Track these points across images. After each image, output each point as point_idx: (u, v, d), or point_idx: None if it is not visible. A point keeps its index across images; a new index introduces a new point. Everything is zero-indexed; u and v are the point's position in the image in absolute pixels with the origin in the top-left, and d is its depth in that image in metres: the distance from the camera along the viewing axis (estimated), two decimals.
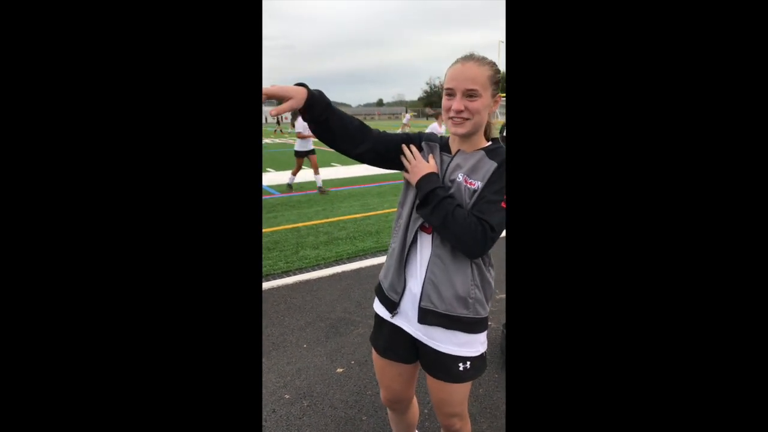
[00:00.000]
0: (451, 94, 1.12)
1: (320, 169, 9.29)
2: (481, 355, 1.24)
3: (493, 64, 1.14)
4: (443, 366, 1.21)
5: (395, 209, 1.41)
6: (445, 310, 1.17)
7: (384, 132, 1.26)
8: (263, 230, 4.64)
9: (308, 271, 3.60)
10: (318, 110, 1.08)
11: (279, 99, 1.03)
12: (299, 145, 6.98)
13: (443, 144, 1.25)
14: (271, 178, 8.70)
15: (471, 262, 1.16)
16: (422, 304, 1.18)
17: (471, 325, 1.18)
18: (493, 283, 1.22)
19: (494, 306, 2.93)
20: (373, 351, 1.36)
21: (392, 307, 1.26)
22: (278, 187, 7.58)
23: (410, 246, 1.21)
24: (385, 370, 1.35)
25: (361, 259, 3.86)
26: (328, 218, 5.28)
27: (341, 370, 2.27)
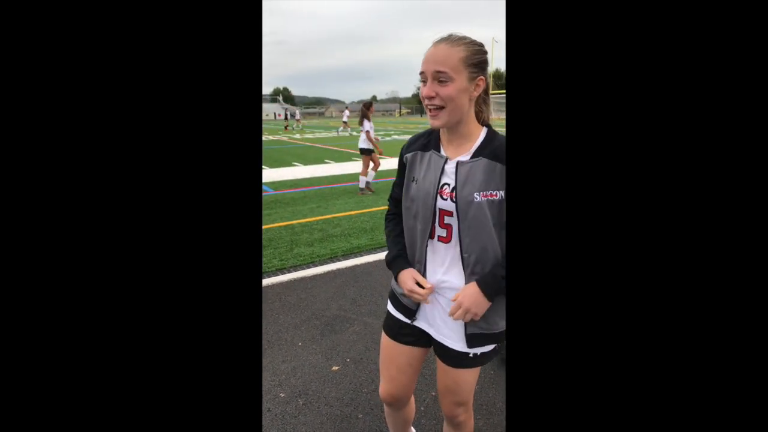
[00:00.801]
0: (424, 80, 1.06)
1: (313, 167, 9.28)
2: (494, 348, 1.25)
3: (470, 45, 1.05)
4: (456, 353, 1.21)
5: None
6: (488, 329, 1.18)
7: (396, 196, 1.29)
8: None
9: (303, 269, 3.59)
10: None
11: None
12: (364, 143, 6.81)
13: (433, 139, 1.19)
14: (266, 175, 8.66)
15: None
16: (468, 330, 1.17)
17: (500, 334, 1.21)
18: None
19: None
20: (384, 337, 1.32)
21: (410, 314, 1.26)
22: (272, 185, 7.55)
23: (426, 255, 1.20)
24: (394, 358, 1.30)
25: (356, 257, 3.85)
26: (322, 215, 5.26)
27: (336, 368, 2.26)
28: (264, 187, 7.35)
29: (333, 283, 3.30)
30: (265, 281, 3.36)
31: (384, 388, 1.36)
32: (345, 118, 20.53)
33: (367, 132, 6.64)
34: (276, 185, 7.50)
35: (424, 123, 7.06)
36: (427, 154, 1.17)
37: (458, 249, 1.14)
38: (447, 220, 1.13)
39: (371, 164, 6.80)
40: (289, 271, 3.54)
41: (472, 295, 1.09)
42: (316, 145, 15.93)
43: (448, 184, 1.12)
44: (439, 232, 1.15)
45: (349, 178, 8.20)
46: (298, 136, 21.00)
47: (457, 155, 1.13)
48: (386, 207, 1.38)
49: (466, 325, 1.17)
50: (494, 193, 1.07)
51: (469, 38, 1.07)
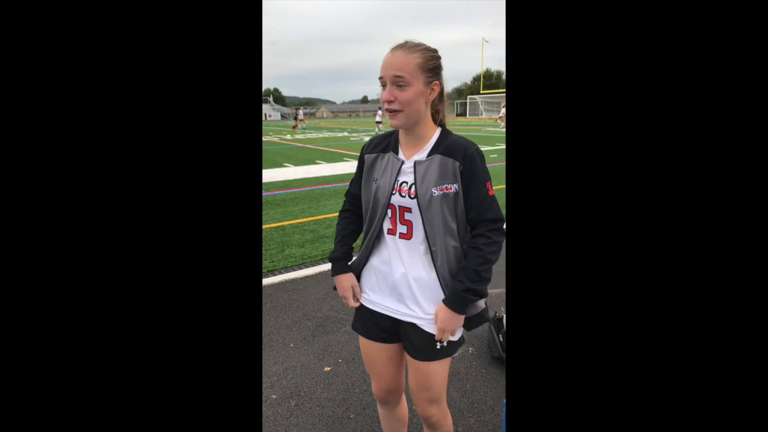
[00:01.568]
0: (383, 84, 1.13)
1: (304, 167, 9.25)
2: (460, 338, 1.28)
3: (425, 51, 1.12)
4: (423, 342, 1.24)
5: None
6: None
7: (354, 192, 1.36)
8: None
9: (294, 270, 3.58)
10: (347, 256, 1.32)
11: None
12: None
13: (392, 141, 1.25)
14: None
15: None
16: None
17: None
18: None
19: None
20: (360, 339, 1.37)
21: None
22: (263, 186, 7.51)
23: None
24: (374, 356, 1.35)
25: None
26: (314, 216, 5.25)
27: (329, 368, 2.26)
28: None
29: (325, 284, 3.29)
30: None
31: (375, 385, 1.42)
32: (378, 118, 20.61)
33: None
34: (267, 186, 7.46)
35: None
36: (387, 156, 1.24)
37: (421, 245, 1.21)
38: (407, 216, 1.20)
39: None
40: (281, 273, 3.53)
41: (445, 319, 1.18)
42: (307, 145, 15.88)
43: (407, 182, 1.19)
44: (401, 228, 1.22)
45: (341, 178, 8.19)
46: (300, 136, 20.91)
47: (414, 154, 1.20)
48: None
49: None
50: (449, 186, 1.15)
51: (424, 45, 1.15)
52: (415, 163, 1.18)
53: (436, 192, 1.15)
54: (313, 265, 3.66)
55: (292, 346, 2.47)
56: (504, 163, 9.40)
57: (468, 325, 1.24)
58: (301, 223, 4.96)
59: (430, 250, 1.19)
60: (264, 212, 5.54)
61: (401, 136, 1.24)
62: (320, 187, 7.36)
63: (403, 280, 1.23)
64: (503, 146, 13.42)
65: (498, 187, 6.65)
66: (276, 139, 19.20)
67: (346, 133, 23.02)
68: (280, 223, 4.94)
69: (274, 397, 2.04)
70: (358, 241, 1.36)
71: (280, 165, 10.12)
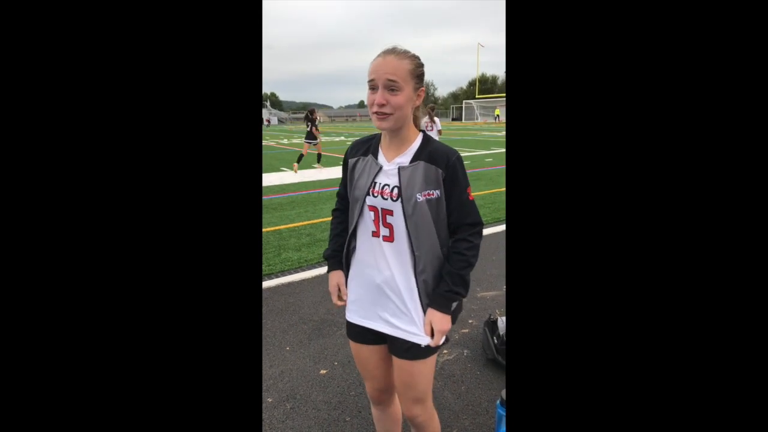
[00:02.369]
0: (373, 87, 1.15)
1: (300, 171, 9.22)
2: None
3: (414, 58, 1.17)
4: (409, 344, 1.26)
5: None
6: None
7: (341, 193, 1.41)
8: None
9: (290, 273, 3.58)
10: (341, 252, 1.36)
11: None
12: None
13: (373, 144, 1.29)
14: None
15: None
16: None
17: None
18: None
19: (475, 304, 2.96)
20: (351, 343, 1.40)
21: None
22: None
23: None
24: (366, 358, 1.38)
25: None
26: (310, 220, 5.26)
27: (324, 371, 2.26)
28: None
29: (321, 287, 3.30)
30: None
31: (369, 385, 1.45)
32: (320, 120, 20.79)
33: (439, 131, 7.21)
34: (263, 190, 7.46)
35: None
36: (367, 159, 1.28)
37: (403, 248, 1.23)
38: (389, 219, 1.23)
39: None
40: (277, 276, 3.53)
41: (438, 321, 1.22)
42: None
43: (389, 185, 1.22)
44: (383, 231, 1.25)
45: (337, 182, 8.18)
46: (297, 140, 20.88)
47: (396, 156, 1.24)
48: None
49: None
50: (432, 192, 1.20)
51: (411, 52, 1.19)
52: (399, 168, 1.21)
53: (420, 197, 1.18)
54: (310, 269, 3.67)
55: (288, 350, 2.47)
56: (501, 167, 9.44)
57: (433, 349, 1.27)
58: (297, 226, 4.97)
59: (413, 254, 1.22)
60: None
61: (384, 140, 1.27)
62: (317, 191, 7.37)
63: (386, 284, 1.25)
64: (499, 150, 13.47)
65: (497, 191, 6.69)
66: (273, 143, 19.19)
67: (342, 138, 23.03)
68: (276, 227, 4.95)
69: (269, 400, 2.05)
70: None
71: (276, 169, 10.13)
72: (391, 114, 1.15)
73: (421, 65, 1.19)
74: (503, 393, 1.55)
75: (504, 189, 6.73)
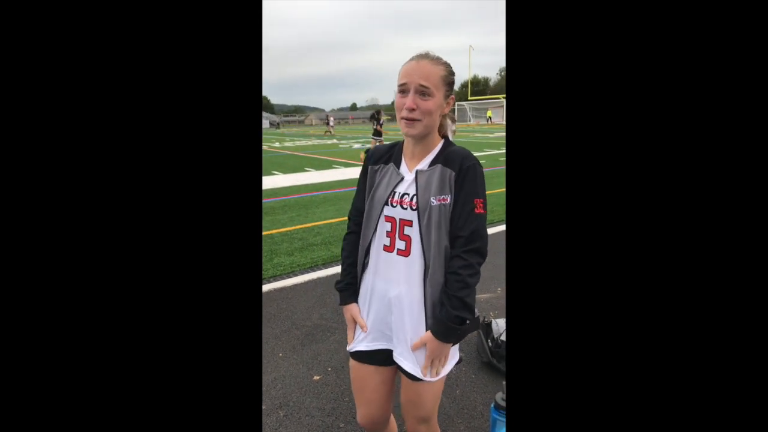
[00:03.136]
0: (404, 90, 1.12)
1: (293, 175, 9.20)
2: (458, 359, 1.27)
3: (447, 66, 1.14)
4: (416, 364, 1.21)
5: None
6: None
7: (359, 207, 1.30)
8: None
9: (283, 279, 3.55)
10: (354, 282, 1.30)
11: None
12: None
13: (396, 152, 1.24)
14: None
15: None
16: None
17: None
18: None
19: None
20: (352, 361, 1.32)
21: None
22: None
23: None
24: (366, 380, 1.30)
25: (336, 265, 3.83)
26: (302, 224, 5.23)
27: (318, 377, 2.24)
28: None
29: (314, 292, 3.28)
30: None
31: (361, 412, 1.34)
32: (331, 123, 20.85)
33: (453, 131, 7.13)
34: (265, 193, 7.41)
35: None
36: (388, 167, 1.23)
37: (417, 262, 1.17)
38: (407, 230, 1.17)
39: None
40: (269, 282, 3.50)
41: (433, 350, 1.16)
42: (296, 153, 15.85)
43: (408, 194, 1.17)
44: (399, 244, 1.19)
45: (330, 186, 8.19)
46: (288, 144, 20.87)
47: (417, 164, 1.19)
48: None
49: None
50: (445, 197, 1.14)
51: (443, 59, 1.16)
52: (417, 172, 1.16)
53: (434, 202, 1.13)
54: (302, 274, 3.65)
55: (280, 356, 2.45)
56: (494, 169, 9.48)
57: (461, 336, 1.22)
58: (289, 231, 4.94)
59: (425, 266, 1.15)
60: None
61: (407, 147, 1.22)
62: (309, 194, 7.35)
63: (397, 300, 1.20)
64: (492, 152, 13.54)
65: (489, 192, 6.67)
66: (265, 147, 19.13)
67: (335, 140, 23.02)
68: (268, 232, 4.92)
69: (262, 407, 2.02)
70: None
71: (268, 173, 10.09)
72: (419, 120, 1.11)
73: (453, 73, 1.16)
74: (497, 396, 1.54)
75: (496, 191, 6.75)
